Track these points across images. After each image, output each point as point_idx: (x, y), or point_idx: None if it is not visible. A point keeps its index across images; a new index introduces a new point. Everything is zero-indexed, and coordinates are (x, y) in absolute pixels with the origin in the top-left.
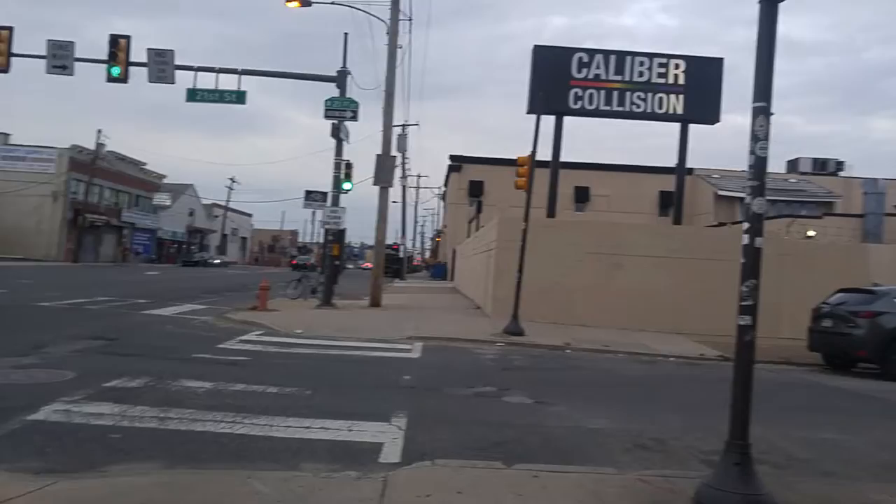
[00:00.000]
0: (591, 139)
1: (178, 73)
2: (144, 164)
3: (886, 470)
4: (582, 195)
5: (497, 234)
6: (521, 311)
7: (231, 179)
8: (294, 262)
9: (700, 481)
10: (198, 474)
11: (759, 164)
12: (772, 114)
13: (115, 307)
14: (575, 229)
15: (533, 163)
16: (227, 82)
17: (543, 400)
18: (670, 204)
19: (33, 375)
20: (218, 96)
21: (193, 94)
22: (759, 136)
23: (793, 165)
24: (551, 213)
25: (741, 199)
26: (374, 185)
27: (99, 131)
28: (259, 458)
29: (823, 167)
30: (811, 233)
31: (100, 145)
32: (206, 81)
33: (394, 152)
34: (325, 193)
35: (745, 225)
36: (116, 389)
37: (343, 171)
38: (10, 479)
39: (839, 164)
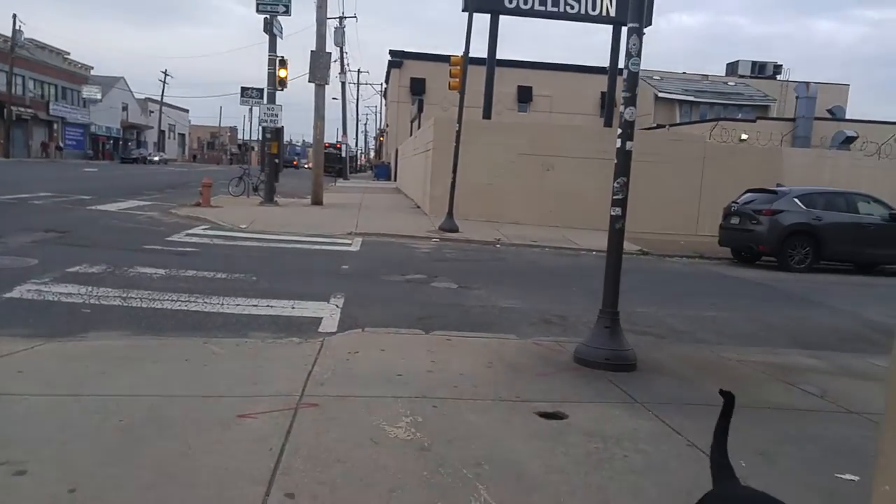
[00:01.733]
0: (536, 37)
1: None
2: (68, 53)
3: (749, 338)
4: (525, 95)
5: (434, 134)
6: (458, 210)
7: (164, 73)
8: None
9: (579, 342)
10: (162, 339)
11: (631, 78)
12: (644, 33)
13: (59, 203)
14: (509, 131)
15: (466, 63)
16: None
17: (467, 285)
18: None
19: (0, 262)
20: None
21: None
22: (633, 54)
23: (732, 68)
24: (487, 114)
25: (681, 101)
26: (310, 82)
27: (14, 16)
28: (213, 329)
29: (762, 70)
30: (744, 136)
31: (17, 32)
32: None
33: (330, 47)
34: (261, 90)
35: (619, 130)
36: (79, 274)
37: (277, 67)
38: (4, 341)
39: (777, 68)
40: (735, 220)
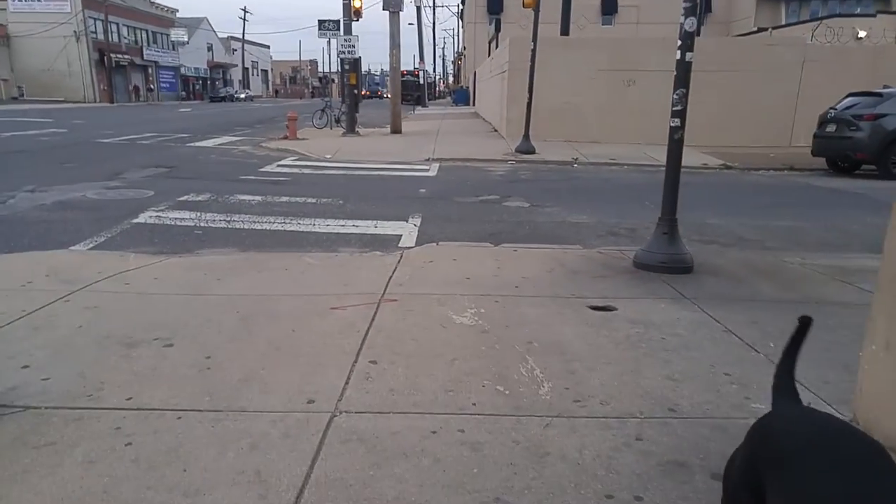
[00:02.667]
0: None
1: None
2: None
3: (821, 246)
4: (609, 6)
5: (509, 54)
6: (535, 132)
7: (244, 10)
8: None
9: (639, 248)
10: (265, 253)
11: None
12: None
13: (162, 142)
14: (587, 47)
15: None
16: None
17: (539, 204)
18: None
19: (123, 193)
20: None
21: None
22: None
23: None
24: (565, 30)
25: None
26: (384, 9)
27: None
28: (307, 245)
29: None
30: (861, 34)
31: None
32: None
33: None
34: (337, 22)
35: (678, 42)
36: (188, 202)
37: None
38: (138, 256)
39: None
40: (831, 128)
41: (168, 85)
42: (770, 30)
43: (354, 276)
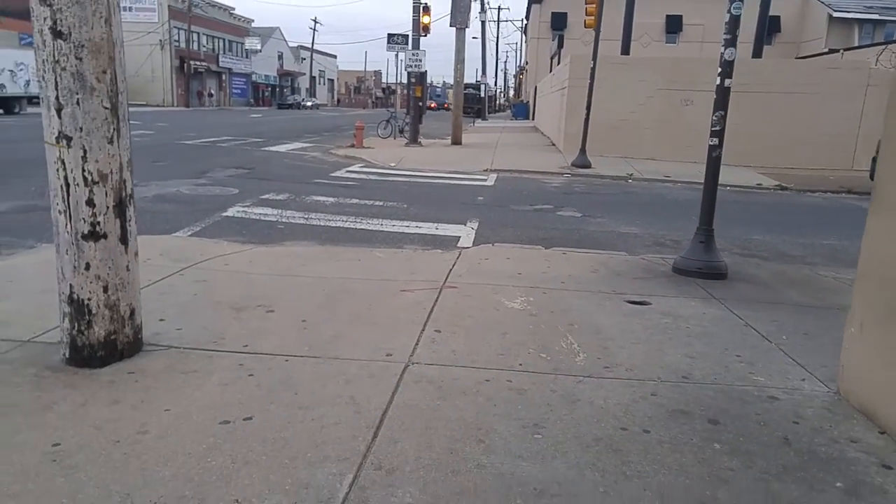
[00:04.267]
0: None
1: None
2: (233, 8)
3: None
4: (674, 25)
5: (570, 71)
6: (593, 147)
7: (314, 20)
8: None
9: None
10: (340, 247)
11: (732, 21)
12: None
13: (239, 145)
14: (646, 66)
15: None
16: None
17: (591, 214)
18: (774, 31)
19: (211, 191)
20: None
21: None
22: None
23: None
24: (626, 49)
25: (861, 20)
26: (451, 26)
27: None
28: (376, 242)
29: None
30: None
31: None
32: None
33: None
34: (405, 36)
35: (718, 69)
36: (269, 200)
37: (420, 14)
38: (231, 244)
39: None
40: None
41: (239, 91)
42: (841, 52)
43: (419, 267)
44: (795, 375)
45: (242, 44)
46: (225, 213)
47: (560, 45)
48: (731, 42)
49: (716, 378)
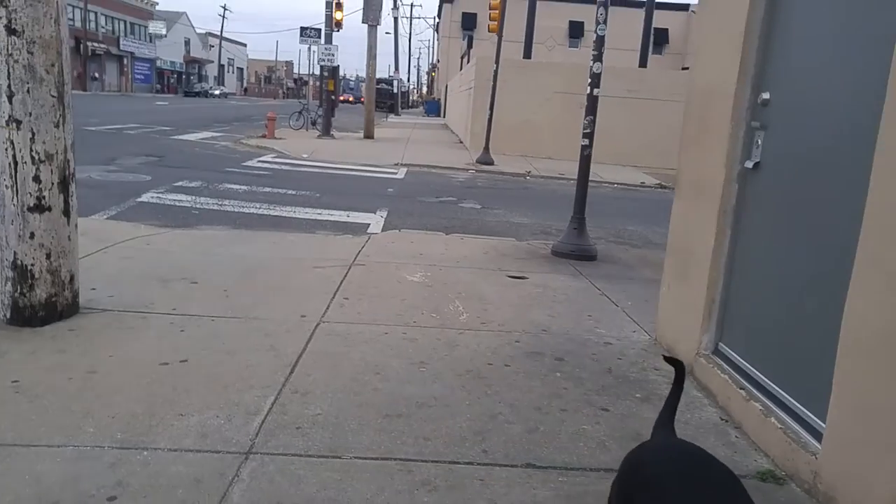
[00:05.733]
0: None
1: None
2: None
3: None
4: (576, 30)
5: (475, 73)
6: (496, 146)
7: (223, 7)
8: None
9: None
10: (255, 231)
11: (599, 40)
12: (609, 5)
13: (147, 133)
14: (545, 70)
15: (504, 5)
16: None
17: (489, 206)
18: (663, 42)
19: (123, 177)
20: None
21: None
22: (600, 21)
23: None
24: (527, 53)
25: None
26: (363, 23)
27: None
28: (289, 227)
29: None
30: None
31: None
32: None
33: None
34: (318, 30)
35: (589, 80)
36: (183, 187)
37: (333, 10)
38: (148, 227)
39: None
40: None
41: (143, 77)
42: None
43: (331, 249)
44: (629, 329)
45: (146, 27)
46: (139, 199)
47: (470, 46)
48: (598, 58)
49: (568, 331)
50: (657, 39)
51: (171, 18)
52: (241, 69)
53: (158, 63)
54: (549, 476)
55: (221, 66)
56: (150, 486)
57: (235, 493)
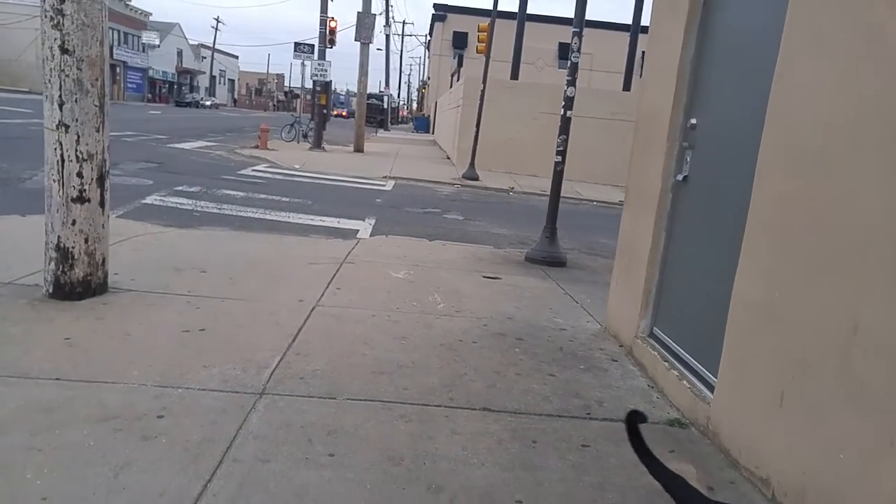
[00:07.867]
0: None
1: None
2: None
3: None
4: (565, 52)
5: (464, 91)
6: (482, 162)
7: (216, 19)
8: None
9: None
10: (253, 233)
11: (572, 66)
12: (583, 35)
13: (144, 141)
14: (530, 91)
15: (492, 28)
16: None
17: (472, 218)
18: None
19: (127, 181)
20: None
21: None
22: (574, 49)
23: None
24: (515, 74)
25: None
26: (356, 41)
27: None
28: (284, 231)
29: None
30: None
31: None
32: None
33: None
34: (312, 46)
35: (563, 103)
36: (184, 191)
37: (327, 27)
38: (155, 226)
39: None
40: None
41: (135, 86)
42: None
43: (323, 249)
44: (584, 319)
45: (139, 37)
46: (144, 201)
47: (460, 64)
48: (572, 83)
49: (530, 319)
50: (639, 64)
51: (165, 29)
52: (232, 81)
53: (151, 73)
54: (500, 417)
55: (213, 78)
56: (188, 410)
57: (254, 419)
